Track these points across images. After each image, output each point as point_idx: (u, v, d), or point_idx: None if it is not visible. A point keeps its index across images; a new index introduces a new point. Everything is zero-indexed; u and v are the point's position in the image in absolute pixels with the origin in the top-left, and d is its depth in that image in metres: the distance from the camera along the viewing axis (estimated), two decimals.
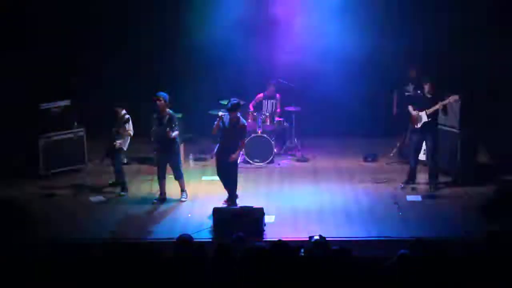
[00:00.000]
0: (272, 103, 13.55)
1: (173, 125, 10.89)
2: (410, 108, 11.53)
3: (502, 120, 12.84)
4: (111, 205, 11.25)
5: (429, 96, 11.31)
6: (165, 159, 11.15)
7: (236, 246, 7.04)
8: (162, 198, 11.33)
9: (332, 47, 13.68)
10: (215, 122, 10.83)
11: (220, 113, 10.89)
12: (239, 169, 11.10)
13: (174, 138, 10.98)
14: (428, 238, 8.84)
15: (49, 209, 10.97)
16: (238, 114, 10.77)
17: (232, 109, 10.65)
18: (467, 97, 11.83)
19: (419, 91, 11.64)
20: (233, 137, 10.75)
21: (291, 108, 13.47)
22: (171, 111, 11.02)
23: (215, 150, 11.10)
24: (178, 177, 11.26)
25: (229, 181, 10.89)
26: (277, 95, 13.57)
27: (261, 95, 13.58)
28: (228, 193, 10.92)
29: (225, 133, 10.80)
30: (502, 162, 12.19)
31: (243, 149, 12.81)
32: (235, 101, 10.70)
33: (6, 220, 10.03)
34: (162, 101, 10.94)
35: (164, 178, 11.27)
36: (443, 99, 11.20)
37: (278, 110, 13.57)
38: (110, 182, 11.86)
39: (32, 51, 13.56)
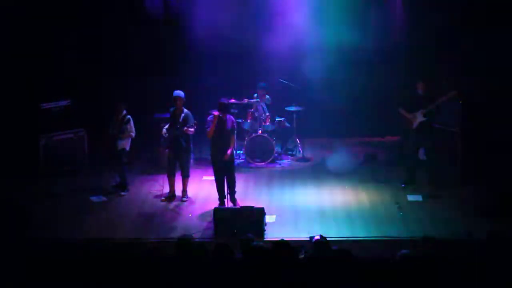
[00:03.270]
0: (264, 105, 13.35)
1: (191, 123, 10.85)
2: (402, 110, 11.48)
3: (502, 119, 12.81)
4: (111, 205, 11.26)
5: (424, 95, 11.26)
6: (176, 157, 11.13)
7: (244, 247, 7.01)
8: (171, 196, 11.34)
9: (332, 47, 13.67)
10: (211, 124, 10.60)
11: (217, 113, 10.67)
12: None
13: (188, 137, 10.96)
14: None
15: (49, 209, 10.97)
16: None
17: (225, 110, 10.57)
18: (468, 96, 11.80)
19: (419, 91, 11.52)
20: (225, 136, 10.65)
21: (292, 108, 13.40)
22: (186, 110, 11.00)
23: (211, 154, 10.86)
24: (185, 176, 11.25)
25: (229, 182, 10.82)
26: (254, 100, 13.16)
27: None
28: (227, 195, 10.83)
29: (217, 134, 10.65)
30: (502, 162, 12.17)
31: (243, 149, 12.82)
32: (225, 101, 10.61)
33: (6, 220, 10.04)
34: (183, 100, 10.93)
35: (174, 175, 11.28)
36: (440, 96, 11.14)
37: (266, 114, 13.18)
38: (113, 184, 11.85)
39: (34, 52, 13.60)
